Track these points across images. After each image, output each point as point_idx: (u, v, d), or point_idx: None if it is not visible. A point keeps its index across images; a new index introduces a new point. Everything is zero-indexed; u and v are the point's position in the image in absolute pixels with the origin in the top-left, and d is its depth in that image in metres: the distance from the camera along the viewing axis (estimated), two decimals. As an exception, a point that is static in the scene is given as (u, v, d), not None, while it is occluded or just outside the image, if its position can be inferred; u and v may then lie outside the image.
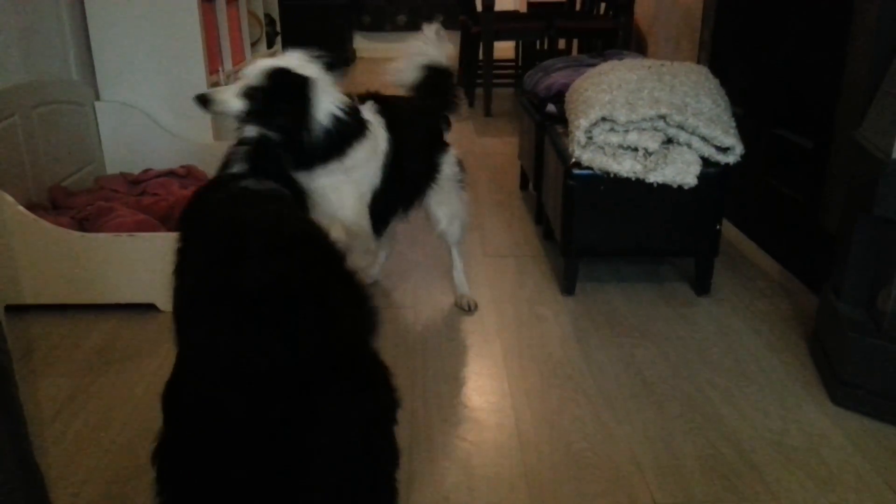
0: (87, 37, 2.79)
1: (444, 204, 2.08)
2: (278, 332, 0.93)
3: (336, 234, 1.74)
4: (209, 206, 1.30)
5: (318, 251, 1.14)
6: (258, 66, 1.67)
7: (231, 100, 1.65)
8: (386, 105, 1.89)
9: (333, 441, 0.92)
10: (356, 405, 0.95)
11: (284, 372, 0.91)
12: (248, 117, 1.65)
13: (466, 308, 2.17)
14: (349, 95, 1.80)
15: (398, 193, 1.92)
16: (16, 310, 2.09)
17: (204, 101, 1.66)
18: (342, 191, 1.76)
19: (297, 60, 1.69)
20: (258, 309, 0.95)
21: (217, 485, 0.91)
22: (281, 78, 1.65)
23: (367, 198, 1.81)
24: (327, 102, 1.66)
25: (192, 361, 1.00)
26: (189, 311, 1.07)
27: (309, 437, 0.90)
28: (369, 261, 1.89)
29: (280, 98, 1.63)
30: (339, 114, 1.68)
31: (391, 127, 1.85)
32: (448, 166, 2.08)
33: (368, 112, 1.83)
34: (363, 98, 1.88)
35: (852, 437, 1.58)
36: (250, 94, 1.64)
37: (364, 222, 1.82)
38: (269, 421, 0.89)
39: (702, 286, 2.24)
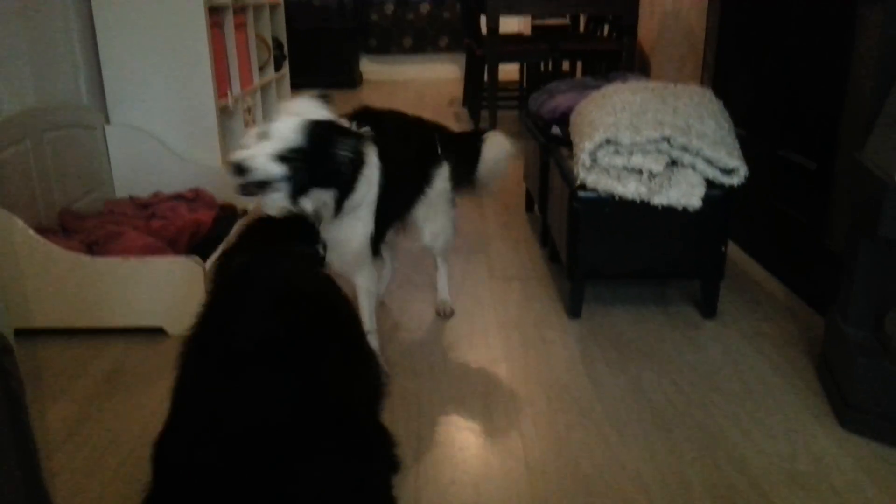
0: (97, 62, 2.83)
1: (430, 220, 2.10)
2: (261, 392, 0.91)
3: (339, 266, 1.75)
4: (237, 267, 1.26)
5: (324, 312, 1.11)
6: (287, 125, 1.59)
7: (269, 165, 1.56)
8: (377, 123, 1.86)
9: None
10: (341, 471, 0.92)
11: (264, 432, 0.88)
12: (288, 180, 1.58)
13: (442, 314, 2.26)
14: (343, 116, 1.79)
15: (391, 210, 1.92)
16: (25, 333, 2.10)
17: (240, 169, 1.55)
18: (352, 228, 1.77)
19: (313, 108, 1.66)
20: (244, 366, 0.93)
21: None
22: (317, 134, 1.58)
23: (371, 227, 1.82)
24: (345, 146, 1.64)
25: (175, 415, 0.98)
26: (182, 363, 1.04)
27: (286, 499, 0.87)
28: (373, 280, 1.91)
29: (322, 155, 1.57)
30: (353, 156, 1.65)
31: (383, 149, 1.82)
32: (440, 181, 2.08)
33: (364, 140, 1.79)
34: (355, 115, 1.87)
35: (861, 461, 1.57)
36: (289, 156, 1.57)
37: (367, 252, 1.83)
38: (247, 481, 0.86)
39: (708, 309, 2.24)
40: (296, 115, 1.63)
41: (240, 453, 0.88)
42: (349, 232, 1.77)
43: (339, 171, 1.62)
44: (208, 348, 1.01)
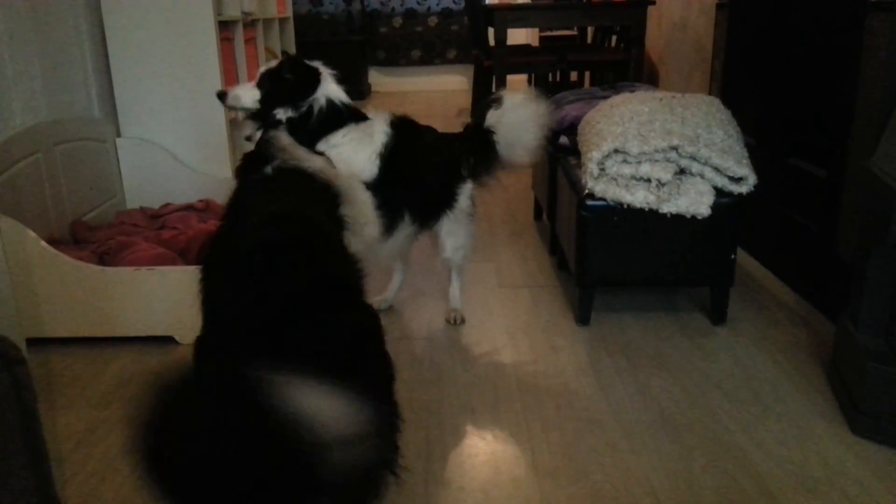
0: (109, 75, 2.87)
1: (454, 234, 2.20)
2: (265, 272, 1.18)
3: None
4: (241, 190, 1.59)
5: (310, 225, 1.39)
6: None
7: (245, 92, 2.00)
8: (404, 123, 2.08)
9: (315, 345, 1.07)
10: (334, 322, 1.12)
11: (271, 296, 1.13)
12: (262, 104, 1.99)
13: (452, 321, 2.29)
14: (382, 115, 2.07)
15: (404, 199, 2.05)
16: (36, 343, 2.11)
17: (221, 95, 2.04)
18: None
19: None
20: (249, 260, 1.22)
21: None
22: (291, 63, 2.02)
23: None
24: (327, 89, 2.02)
25: (208, 302, 1.24)
26: (203, 267, 1.35)
27: (291, 340, 1.07)
28: (373, 242, 1.96)
29: (292, 79, 1.98)
30: (336, 101, 2.02)
31: (399, 135, 2.05)
32: (464, 199, 2.18)
33: (379, 118, 2.05)
34: (395, 120, 2.08)
35: (872, 467, 1.56)
36: (263, 81, 1.98)
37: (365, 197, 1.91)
38: (261, 325, 1.09)
39: (718, 316, 2.23)
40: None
41: (250, 319, 1.10)
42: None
43: (288, 87, 1.99)
44: (222, 251, 1.33)
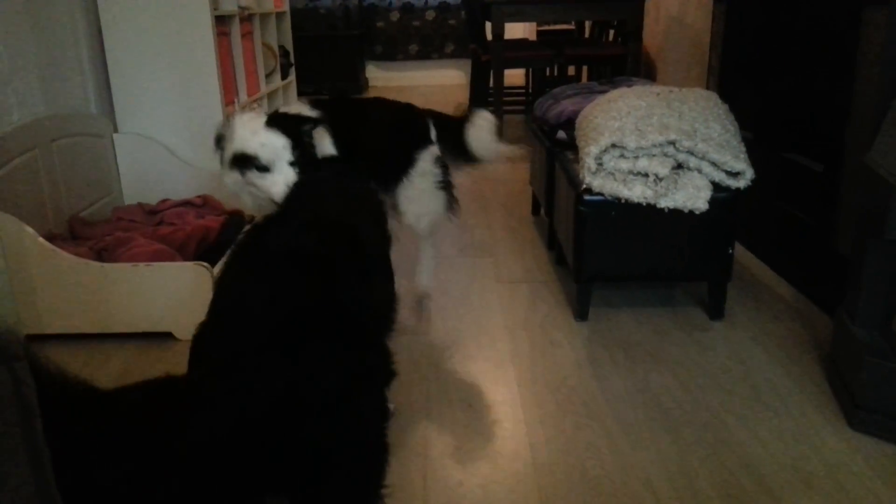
0: (105, 71, 2.86)
1: (414, 201, 2.15)
2: (281, 282, 1.15)
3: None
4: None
5: (348, 238, 1.34)
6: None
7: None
8: (341, 107, 2.10)
9: (313, 372, 1.03)
10: (338, 355, 1.08)
11: (275, 316, 1.09)
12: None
13: (418, 307, 2.31)
14: (316, 102, 2.04)
15: (353, 165, 2.05)
16: (35, 339, 2.11)
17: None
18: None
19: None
20: (273, 262, 1.20)
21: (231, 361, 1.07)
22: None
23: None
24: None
25: (220, 292, 1.22)
26: (227, 261, 1.32)
27: (284, 368, 1.03)
28: None
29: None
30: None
31: (348, 129, 2.04)
32: (425, 163, 2.13)
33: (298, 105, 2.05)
34: (327, 102, 2.08)
35: (871, 461, 1.56)
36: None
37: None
38: (263, 340, 1.05)
39: (715, 310, 2.24)
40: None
41: (255, 335, 1.07)
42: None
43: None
44: (250, 251, 1.28)
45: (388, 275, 1.52)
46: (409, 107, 2.22)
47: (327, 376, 1.05)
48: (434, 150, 2.15)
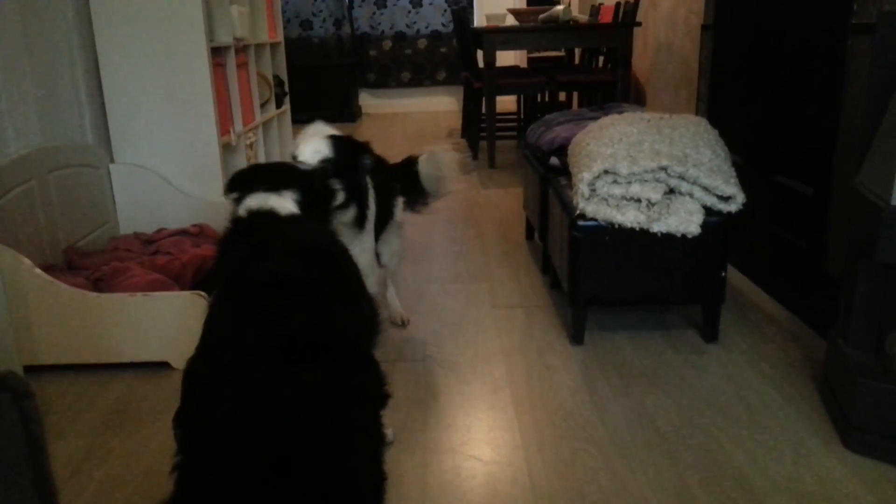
0: (102, 102, 2.88)
1: (388, 244, 2.32)
2: (270, 309, 1.16)
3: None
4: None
5: (331, 263, 1.37)
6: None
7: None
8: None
9: (300, 401, 1.05)
10: (331, 378, 1.10)
11: (268, 337, 1.10)
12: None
13: (400, 323, 2.44)
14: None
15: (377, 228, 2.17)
16: (32, 370, 2.11)
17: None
18: (362, 243, 2.02)
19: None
20: (259, 291, 1.20)
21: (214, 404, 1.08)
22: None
23: (373, 240, 2.09)
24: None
25: (208, 324, 1.22)
26: (215, 293, 1.32)
27: (280, 392, 1.05)
28: (376, 284, 2.18)
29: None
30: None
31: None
32: (398, 211, 2.31)
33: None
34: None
35: (866, 482, 1.57)
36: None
37: (374, 260, 2.11)
38: (251, 373, 1.06)
39: (710, 333, 2.25)
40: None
41: (251, 351, 1.09)
42: (361, 246, 1.99)
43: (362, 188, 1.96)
44: (237, 281, 1.27)
45: (367, 296, 1.55)
46: (383, 161, 2.32)
47: (326, 401, 1.06)
48: (401, 199, 2.35)
